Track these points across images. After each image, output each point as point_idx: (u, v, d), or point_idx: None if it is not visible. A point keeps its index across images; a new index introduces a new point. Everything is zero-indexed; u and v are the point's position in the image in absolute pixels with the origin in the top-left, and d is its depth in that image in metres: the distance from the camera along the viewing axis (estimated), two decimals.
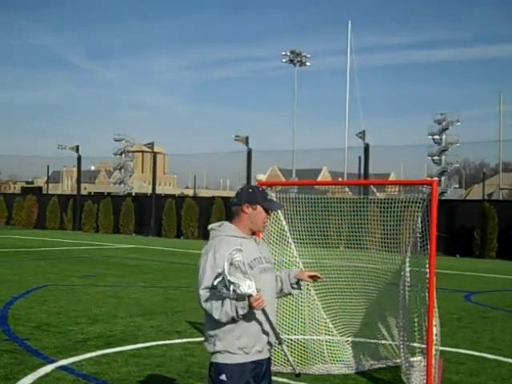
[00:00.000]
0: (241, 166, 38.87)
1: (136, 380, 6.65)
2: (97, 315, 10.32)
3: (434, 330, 6.34)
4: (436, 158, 49.67)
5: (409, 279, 6.82)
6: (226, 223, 3.98)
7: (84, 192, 55.27)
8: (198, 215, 38.06)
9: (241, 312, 3.62)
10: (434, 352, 6.30)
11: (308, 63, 56.29)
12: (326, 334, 7.75)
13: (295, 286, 4.15)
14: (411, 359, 6.80)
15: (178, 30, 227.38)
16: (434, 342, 6.35)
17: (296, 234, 7.61)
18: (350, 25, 51.89)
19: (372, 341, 7.76)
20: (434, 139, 50.04)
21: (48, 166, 54.23)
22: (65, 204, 44.02)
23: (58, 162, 65.68)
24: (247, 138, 36.89)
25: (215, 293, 3.62)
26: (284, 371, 7.12)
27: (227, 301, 3.61)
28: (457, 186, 55.84)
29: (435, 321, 6.39)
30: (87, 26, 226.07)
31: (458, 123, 50.47)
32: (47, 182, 57.90)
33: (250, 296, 3.57)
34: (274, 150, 79.09)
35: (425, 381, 6.21)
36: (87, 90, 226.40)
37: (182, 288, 14.28)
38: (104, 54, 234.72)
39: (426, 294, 6.34)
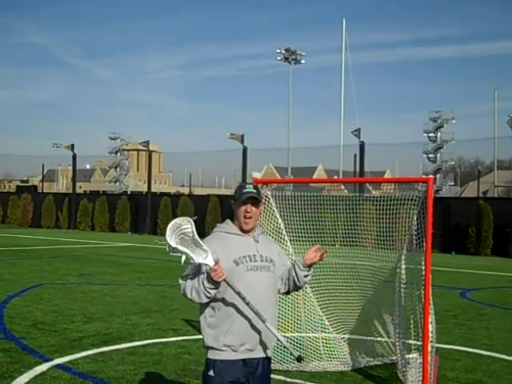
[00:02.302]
0: (236, 164, 38.91)
1: (132, 378, 6.65)
2: (93, 313, 10.31)
3: (430, 327, 6.35)
4: (431, 155, 49.72)
5: (404, 276, 6.83)
6: (228, 220, 4.05)
7: (79, 190, 55.25)
8: (193, 213, 38.02)
9: (207, 285, 3.69)
10: (429, 349, 6.31)
11: (303, 61, 56.31)
12: (322, 331, 7.76)
13: (307, 273, 4.04)
14: (407, 356, 6.81)
15: (173, 28, 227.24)
16: (430, 339, 6.36)
17: (292, 231, 7.62)
18: (344, 22, 52.01)
19: (368, 338, 7.77)
20: (429, 137, 50.09)
21: (43, 165, 54.09)
22: (60, 202, 43.96)
23: (53, 160, 65.41)
24: (242, 136, 36.90)
25: (187, 280, 3.78)
26: (280, 368, 7.13)
27: (195, 281, 3.75)
28: (452, 183, 55.93)
29: (431, 318, 6.40)
30: (83, 25, 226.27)
31: (453, 121, 50.52)
32: (42, 181, 57.76)
33: (206, 266, 3.63)
34: (269, 148, 78.88)
35: (421, 377, 6.22)
36: (82, 89, 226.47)
37: (177, 286, 14.22)
38: (99, 52, 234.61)
39: (422, 292, 6.35)
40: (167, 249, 3.72)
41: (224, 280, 3.68)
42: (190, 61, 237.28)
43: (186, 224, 3.71)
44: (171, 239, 3.68)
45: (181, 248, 3.66)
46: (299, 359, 4.02)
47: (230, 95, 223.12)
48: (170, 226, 3.71)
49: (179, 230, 3.70)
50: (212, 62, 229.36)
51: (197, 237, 3.73)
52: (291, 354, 4.09)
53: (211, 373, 3.78)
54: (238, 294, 3.75)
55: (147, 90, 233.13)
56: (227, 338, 3.78)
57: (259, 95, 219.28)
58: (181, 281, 3.89)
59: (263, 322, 3.80)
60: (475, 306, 12.46)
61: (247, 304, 3.76)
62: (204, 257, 3.67)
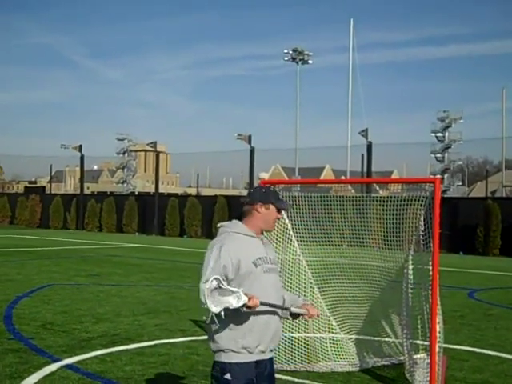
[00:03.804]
0: (244, 164, 38.96)
1: (141, 378, 6.68)
2: (101, 314, 10.36)
3: (438, 328, 6.36)
4: (439, 155, 49.62)
5: (412, 277, 6.84)
6: (236, 221, 4.03)
7: (87, 191, 55.43)
8: (201, 214, 38.11)
9: (235, 305, 3.60)
10: (437, 349, 6.32)
11: (310, 61, 56.31)
12: (329, 331, 7.77)
13: (291, 316, 4.08)
14: (415, 356, 6.81)
15: (181, 28, 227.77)
16: (438, 340, 6.36)
17: (299, 232, 7.63)
18: (352, 22, 51.94)
19: (375, 338, 7.78)
20: (436, 137, 50.00)
21: (51, 166, 54.25)
22: (68, 203, 44.13)
23: (61, 161, 65.70)
24: (250, 137, 36.92)
25: (212, 285, 3.60)
26: (288, 369, 7.15)
27: (221, 293, 3.60)
28: (460, 183, 55.77)
29: (438, 318, 6.40)
30: (90, 25, 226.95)
31: (461, 120, 50.41)
32: (50, 182, 57.98)
33: (244, 305, 3.60)
34: (276, 148, 79.00)
35: (428, 378, 6.23)
36: (90, 89, 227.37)
37: (185, 287, 14.31)
38: (107, 52, 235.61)
39: (429, 292, 6.35)
40: (207, 318, 3.64)
41: (260, 304, 3.69)
42: (197, 61, 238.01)
43: (212, 281, 3.62)
44: (212, 306, 3.59)
45: (221, 309, 3.58)
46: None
47: (238, 95, 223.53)
48: (203, 297, 3.60)
49: (210, 292, 3.61)
50: (219, 62, 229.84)
51: (223, 285, 3.62)
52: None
53: (228, 376, 3.74)
54: (273, 305, 3.83)
55: (155, 90, 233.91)
56: (245, 340, 3.77)
57: (267, 95, 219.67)
58: (201, 285, 3.64)
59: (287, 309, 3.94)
60: (483, 307, 12.44)
61: (269, 305, 3.79)
62: (238, 299, 3.60)
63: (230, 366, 3.76)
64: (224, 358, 3.78)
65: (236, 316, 3.70)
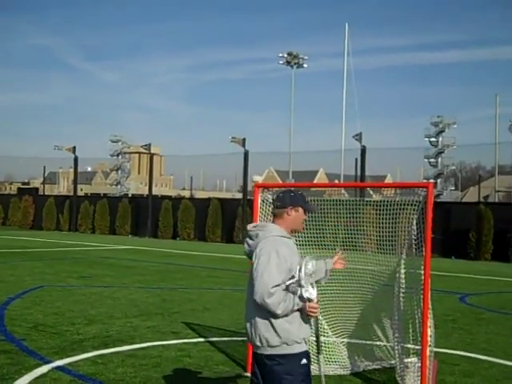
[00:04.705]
0: (237, 167, 39.00)
1: (132, 380, 6.68)
2: (93, 316, 10.35)
3: (429, 332, 6.39)
4: (432, 160, 49.75)
5: (404, 281, 6.87)
6: (271, 224, 4.31)
7: (80, 193, 55.31)
8: (194, 216, 38.11)
9: (295, 308, 4.04)
10: (428, 353, 6.34)
11: (305, 65, 56.42)
12: (321, 335, 7.77)
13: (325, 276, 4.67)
14: (406, 360, 6.84)
15: (176, 32, 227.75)
16: (429, 344, 6.39)
17: (292, 235, 7.62)
18: (347, 27, 51.97)
19: (367, 342, 7.80)
20: (430, 141, 50.11)
21: (44, 167, 54.08)
22: (61, 205, 44.02)
23: (55, 162, 65.34)
24: (244, 140, 36.93)
25: (280, 290, 3.97)
26: None
27: (290, 298, 3.99)
28: (453, 188, 55.94)
29: (430, 322, 6.43)
30: (86, 28, 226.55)
31: (455, 126, 50.55)
32: (43, 183, 57.84)
33: (310, 300, 4.04)
34: (270, 151, 78.98)
35: (419, 382, 6.26)
36: (84, 92, 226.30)
37: (178, 289, 14.31)
38: (102, 55, 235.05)
39: (421, 296, 6.38)
40: (290, 281, 4.04)
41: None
42: (192, 64, 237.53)
43: (310, 262, 4.10)
44: (302, 278, 4.05)
45: (303, 283, 4.02)
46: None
47: (232, 99, 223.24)
48: (302, 263, 4.08)
49: (306, 266, 4.06)
50: (214, 65, 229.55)
51: (311, 276, 4.10)
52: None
53: (305, 361, 4.10)
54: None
55: (149, 93, 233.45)
56: (301, 332, 4.11)
57: (261, 99, 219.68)
58: (272, 289, 3.95)
59: (319, 353, 4.69)
60: (474, 311, 12.49)
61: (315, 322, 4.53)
62: (310, 293, 4.07)
63: (301, 354, 4.09)
64: (290, 349, 4.06)
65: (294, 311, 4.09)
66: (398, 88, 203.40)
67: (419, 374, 6.30)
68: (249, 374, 7.08)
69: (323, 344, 7.69)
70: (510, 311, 12.50)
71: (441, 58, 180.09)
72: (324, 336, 7.78)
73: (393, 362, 7.30)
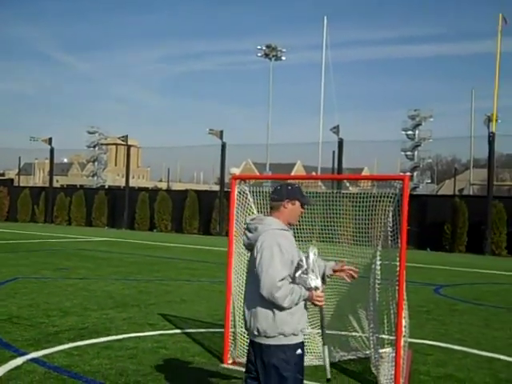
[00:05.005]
0: (215, 159, 38.98)
1: (108, 372, 6.66)
2: (68, 308, 10.29)
3: (403, 322, 6.45)
4: (409, 153, 50.16)
5: (379, 272, 6.91)
6: (270, 217, 4.36)
7: (56, 184, 54.73)
8: (171, 208, 38.03)
9: (301, 300, 4.15)
10: (402, 343, 6.41)
11: (283, 58, 56.33)
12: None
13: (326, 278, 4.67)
14: (381, 350, 6.90)
15: (154, 23, 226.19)
16: (403, 334, 6.45)
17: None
18: (325, 20, 52.00)
19: (343, 333, 7.86)
20: (407, 135, 50.52)
21: (20, 158, 53.63)
22: (37, 196, 43.64)
23: (30, 153, 64.78)
24: (221, 132, 36.87)
25: (287, 283, 4.07)
26: None
27: (296, 291, 4.08)
28: (429, 181, 56.53)
29: (404, 313, 6.49)
30: (63, 19, 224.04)
31: (431, 119, 51.04)
32: (19, 174, 57.20)
33: (316, 289, 4.15)
34: (248, 143, 78.97)
35: (393, 371, 6.32)
36: (61, 82, 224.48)
37: (155, 281, 14.28)
38: (78, 46, 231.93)
39: (396, 287, 6.44)
40: (298, 273, 4.14)
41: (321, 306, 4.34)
42: (170, 55, 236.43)
43: (312, 251, 4.19)
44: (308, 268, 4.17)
45: (310, 273, 4.14)
46: (328, 380, 4.88)
47: (211, 91, 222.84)
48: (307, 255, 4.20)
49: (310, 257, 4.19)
50: (193, 56, 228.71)
51: (316, 264, 4.21)
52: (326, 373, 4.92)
53: (300, 351, 4.20)
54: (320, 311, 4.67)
55: (127, 84, 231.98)
56: (300, 324, 4.22)
57: (239, 91, 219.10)
58: (279, 283, 4.05)
59: (324, 343, 4.81)
60: (448, 302, 12.64)
61: (321, 312, 4.75)
62: (316, 283, 4.18)
63: (297, 345, 4.20)
64: (286, 340, 4.16)
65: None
66: (375, 81, 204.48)
67: (394, 363, 6.36)
68: (225, 366, 7.13)
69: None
70: (483, 302, 12.68)
71: (419, 51, 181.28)
72: None
73: (368, 352, 7.36)
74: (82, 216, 41.18)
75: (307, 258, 4.15)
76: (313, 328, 7.86)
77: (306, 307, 4.30)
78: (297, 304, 4.14)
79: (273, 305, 4.10)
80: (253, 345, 4.29)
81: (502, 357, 7.98)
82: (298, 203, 4.40)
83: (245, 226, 4.47)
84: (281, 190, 4.41)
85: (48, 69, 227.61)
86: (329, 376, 4.95)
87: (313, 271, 4.16)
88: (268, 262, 4.07)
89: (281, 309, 4.11)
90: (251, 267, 4.27)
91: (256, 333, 4.21)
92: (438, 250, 28.64)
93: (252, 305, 4.24)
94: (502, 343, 8.80)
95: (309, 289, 4.14)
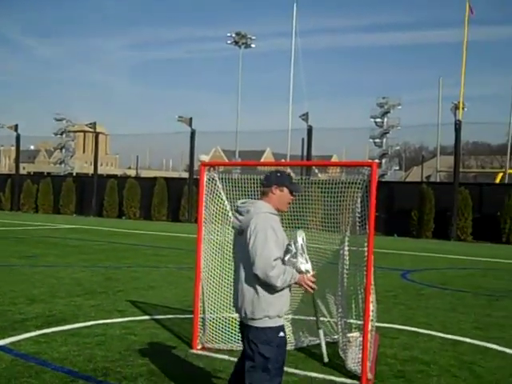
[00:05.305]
0: (184, 146, 38.75)
1: (76, 359, 6.62)
2: (36, 295, 10.19)
3: (371, 307, 6.52)
4: (377, 140, 50.58)
5: (348, 258, 6.98)
6: (260, 201, 4.52)
7: (23, 172, 54.00)
8: (140, 196, 37.83)
9: (292, 282, 4.32)
10: (370, 328, 6.49)
11: (253, 45, 56.25)
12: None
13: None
14: (349, 335, 6.98)
15: (124, 8, 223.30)
16: (371, 319, 6.52)
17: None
18: (295, 7, 51.93)
19: (311, 318, 7.91)
20: (375, 122, 50.92)
21: None
22: (2, 184, 43.01)
23: None
24: (191, 119, 36.71)
25: (280, 263, 4.24)
26: (225, 348, 7.23)
27: (288, 271, 4.26)
28: (397, 168, 57.15)
29: (372, 298, 6.56)
30: (25, 2, 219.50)
31: (400, 107, 51.47)
32: None
33: (307, 272, 4.35)
34: (217, 131, 78.73)
35: (361, 355, 6.40)
36: (27, 68, 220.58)
37: (123, 268, 14.21)
38: (46, 31, 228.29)
39: (364, 273, 6.51)
40: (287, 256, 4.32)
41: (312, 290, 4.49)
42: (140, 42, 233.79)
43: (301, 236, 4.41)
44: (298, 252, 4.37)
45: (299, 257, 4.33)
46: (325, 364, 5.38)
47: (180, 78, 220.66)
48: (297, 239, 4.39)
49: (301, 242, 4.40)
50: (162, 43, 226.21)
51: (304, 248, 4.43)
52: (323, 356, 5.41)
53: (282, 334, 4.37)
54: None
55: (95, 70, 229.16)
56: (285, 308, 4.41)
57: (209, 78, 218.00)
58: (273, 263, 4.20)
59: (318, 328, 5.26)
60: (415, 287, 12.83)
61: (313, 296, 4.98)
62: (306, 267, 4.39)
63: (280, 327, 4.37)
64: (272, 323, 4.33)
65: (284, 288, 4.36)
66: (345, 69, 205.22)
67: (361, 347, 6.44)
68: (195, 351, 7.15)
69: None
70: (449, 287, 12.89)
71: (387, 39, 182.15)
72: None
73: (336, 336, 7.44)
74: (49, 203, 40.75)
75: (295, 242, 4.30)
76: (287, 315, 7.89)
77: (290, 290, 4.46)
78: (289, 286, 4.32)
79: (264, 287, 4.26)
80: (242, 325, 4.49)
81: (466, 340, 8.14)
82: (286, 190, 4.52)
83: (235, 209, 4.58)
84: (270, 176, 4.54)
85: (11, 53, 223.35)
86: (326, 360, 5.12)
87: (302, 255, 4.31)
88: (262, 244, 4.21)
89: (271, 290, 4.26)
90: (239, 249, 4.43)
91: (243, 314, 4.37)
92: (405, 236, 28.99)
93: (241, 287, 4.38)
94: (466, 326, 8.97)
95: (300, 272, 4.33)
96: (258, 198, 4.67)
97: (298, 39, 53.13)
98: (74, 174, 50.28)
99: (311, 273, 4.39)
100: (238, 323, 7.45)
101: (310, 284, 4.42)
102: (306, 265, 4.35)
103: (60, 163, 55.88)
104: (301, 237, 4.36)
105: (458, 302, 11.12)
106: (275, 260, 4.22)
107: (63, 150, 55.64)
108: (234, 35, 55.18)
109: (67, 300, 9.90)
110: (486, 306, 10.73)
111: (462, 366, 6.87)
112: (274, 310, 4.32)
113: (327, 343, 7.54)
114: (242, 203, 4.53)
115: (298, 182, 4.84)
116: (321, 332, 4.94)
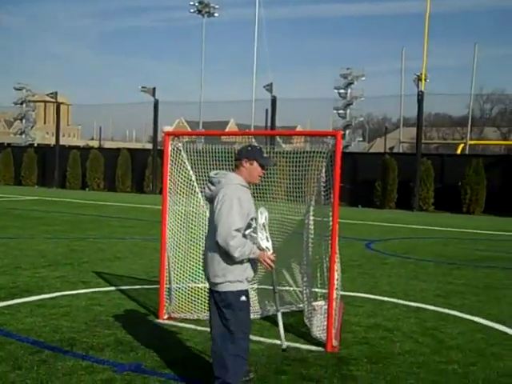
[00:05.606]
0: (147, 117, 38.31)
1: (42, 330, 6.58)
2: None
3: (336, 276, 6.61)
4: (341, 111, 50.62)
5: (312, 228, 7.03)
6: (232, 173, 4.70)
7: None
8: (103, 167, 37.47)
9: (251, 256, 4.52)
10: (334, 296, 6.58)
11: (216, 14, 55.50)
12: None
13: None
14: (314, 303, 7.07)
15: None
16: (335, 287, 6.62)
17: (203, 183, 7.63)
18: None
19: (277, 287, 7.98)
20: (339, 93, 50.89)
21: None
22: None
23: None
24: (154, 89, 36.27)
25: (240, 235, 4.41)
26: (191, 318, 7.26)
27: (248, 245, 4.45)
28: (360, 139, 57.39)
29: (337, 267, 6.65)
30: None
31: (363, 78, 51.47)
32: None
33: (267, 250, 4.67)
34: (181, 101, 78.01)
35: (326, 323, 6.50)
36: None
37: (88, 239, 14.10)
38: None
39: (329, 242, 6.58)
40: (248, 231, 4.52)
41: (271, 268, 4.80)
42: (101, 10, 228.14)
43: (264, 214, 4.82)
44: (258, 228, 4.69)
45: (259, 234, 4.64)
46: (283, 350, 5.58)
47: (142, 47, 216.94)
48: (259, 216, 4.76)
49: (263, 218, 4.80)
50: (124, 12, 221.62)
51: (266, 227, 4.83)
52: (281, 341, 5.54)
53: (244, 298, 4.57)
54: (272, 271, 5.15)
55: (56, 39, 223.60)
56: (247, 273, 4.57)
57: (172, 48, 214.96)
58: (234, 232, 4.38)
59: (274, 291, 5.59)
60: (379, 256, 13.03)
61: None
62: (266, 245, 4.71)
63: (242, 292, 4.56)
64: (232, 287, 4.52)
65: None
66: (309, 39, 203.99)
67: (326, 315, 6.54)
68: (161, 321, 7.16)
69: None
70: (411, 256, 13.13)
71: (351, 10, 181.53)
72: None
73: (301, 305, 7.52)
74: (10, 175, 40.09)
75: (256, 219, 4.50)
76: (252, 284, 7.95)
77: (251, 261, 4.64)
78: (249, 259, 4.51)
79: (225, 254, 4.44)
80: (210, 291, 4.69)
81: (428, 307, 8.33)
82: (256, 163, 4.69)
83: (208, 180, 4.75)
84: (241, 150, 4.72)
85: None
86: (284, 346, 5.41)
87: (262, 232, 4.51)
88: (227, 213, 4.39)
89: (232, 259, 4.44)
90: (210, 218, 4.63)
91: (208, 279, 4.63)
92: (369, 206, 29.34)
93: (208, 253, 4.60)
94: (428, 294, 9.17)
95: (260, 249, 4.60)
96: (231, 170, 4.82)
97: (261, 9, 52.62)
98: (36, 145, 49.34)
99: (271, 251, 4.58)
100: (205, 293, 7.53)
101: (269, 262, 4.66)
102: (266, 242, 4.56)
103: (20, 134, 54.72)
104: (263, 215, 4.57)
105: (420, 270, 11.35)
106: (236, 230, 4.39)
107: (23, 121, 54.46)
108: (196, 4, 54.39)
109: (31, 272, 9.80)
110: (447, 274, 10.98)
111: (424, 332, 7.03)
112: (233, 276, 4.51)
113: (292, 312, 7.65)
114: (215, 174, 4.69)
115: (269, 156, 4.99)
116: (279, 314, 5.12)
